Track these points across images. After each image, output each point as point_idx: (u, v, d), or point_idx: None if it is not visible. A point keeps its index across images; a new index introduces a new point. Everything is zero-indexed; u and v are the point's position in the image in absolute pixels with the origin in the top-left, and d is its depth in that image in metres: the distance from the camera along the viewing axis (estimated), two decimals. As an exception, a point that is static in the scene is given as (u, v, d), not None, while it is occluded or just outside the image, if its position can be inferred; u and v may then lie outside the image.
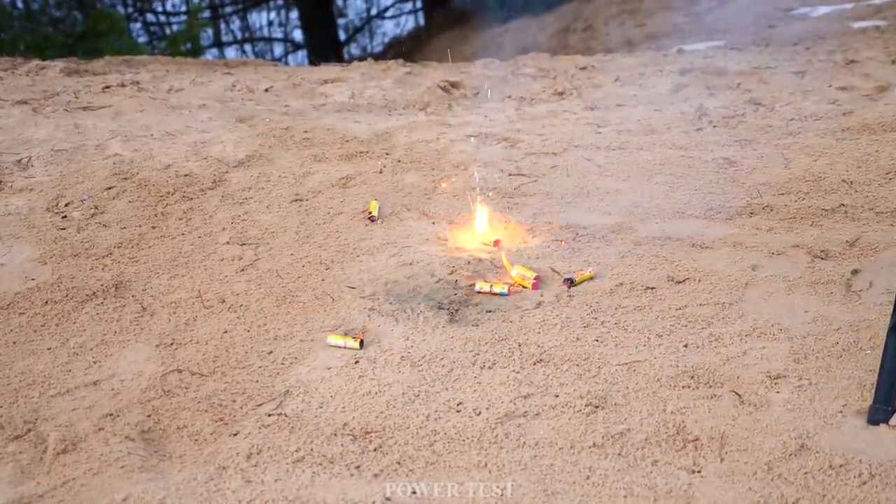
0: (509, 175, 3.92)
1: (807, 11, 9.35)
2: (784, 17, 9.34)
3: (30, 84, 5.35)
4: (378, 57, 17.47)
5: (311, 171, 4.02)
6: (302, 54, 20.79)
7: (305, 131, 4.47)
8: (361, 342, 2.66)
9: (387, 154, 4.21)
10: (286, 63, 20.32)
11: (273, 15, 21.75)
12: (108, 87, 5.28)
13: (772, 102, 4.94)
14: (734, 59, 6.13)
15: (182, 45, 11.15)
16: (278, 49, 21.64)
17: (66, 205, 3.65)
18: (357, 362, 2.56)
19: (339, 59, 18.23)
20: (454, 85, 5.59)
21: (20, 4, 13.53)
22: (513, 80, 5.78)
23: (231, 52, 21.01)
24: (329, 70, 6.11)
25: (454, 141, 4.34)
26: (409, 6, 21.12)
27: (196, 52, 11.70)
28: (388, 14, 21.72)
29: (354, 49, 21.29)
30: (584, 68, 6.04)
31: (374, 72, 6.00)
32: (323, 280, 3.07)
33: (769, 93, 5.16)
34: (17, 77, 5.56)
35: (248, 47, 21.58)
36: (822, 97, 4.97)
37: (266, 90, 5.39)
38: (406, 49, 15.53)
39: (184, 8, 20.97)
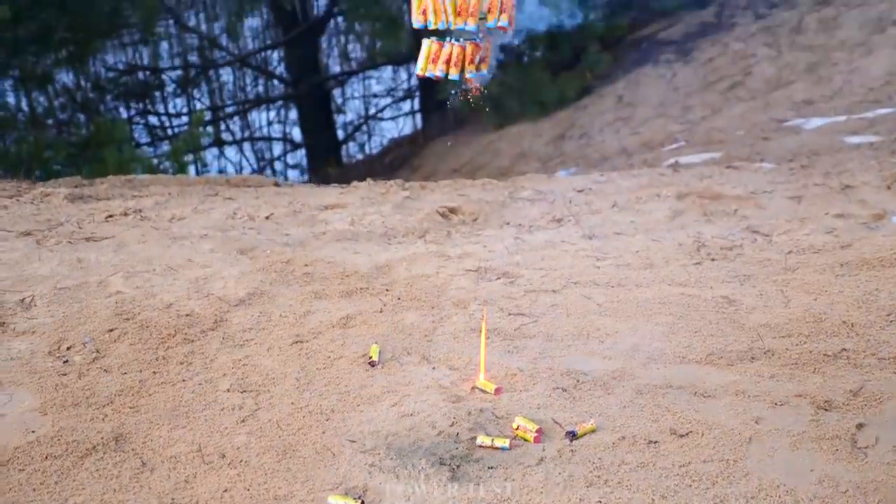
0: (509, 314, 3.93)
1: (800, 123, 9.48)
2: (778, 129, 9.47)
3: (34, 213, 5.40)
4: (377, 159, 17.71)
5: (312, 309, 4.03)
6: (301, 154, 21.03)
7: (306, 265, 4.49)
8: (362, 503, 2.63)
9: (387, 290, 4.23)
10: (285, 176, 20.53)
11: (273, 114, 22.08)
12: (111, 215, 5.33)
13: (769, 231, 4.98)
14: (730, 180, 6.19)
15: (184, 152, 11.27)
16: (277, 148, 21.91)
17: (68, 348, 3.65)
18: (358, 526, 2.53)
19: (338, 159, 18.47)
20: (453, 211, 5.64)
21: (25, 107, 13.73)
22: (511, 204, 5.83)
23: (231, 152, 21.25)
24: (329, 193, 6.17)
25: (454, 276, 4.36)
26: (406, 106, 21.46)
27: (199, 160, 11.84)
28: (386, 114, 22.06)
29: (353, 148, 21.57)
30: (581, 191, 6.10)
31: (374, 195, 6.05)
32: (323, 432, 3.05)
33: (766, 220, 5.21)
34: (22, 205, 5.61)
35: (247, 146, 21.86)
36: (818, 226, 5.01)
37: (267, 217, 5.43)
38: (404, 153, 15.72)
39: (185, 109, 21.30)
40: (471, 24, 2.87)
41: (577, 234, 5.10)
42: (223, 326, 3.88)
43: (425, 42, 2.95)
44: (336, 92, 21.41)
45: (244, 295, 4.14)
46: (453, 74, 2.94)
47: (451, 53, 2.91)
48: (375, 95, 22.27)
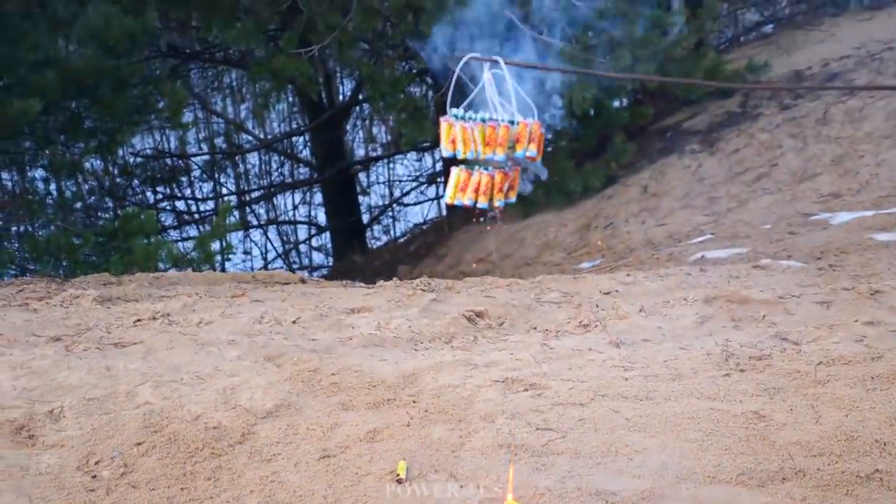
0: (537, 429, 3.95)
1: (827, 217, 9.50)
2: (805, 224, 9.49)
3: (63, 317, 5.48)
4: (402, 247, 17.82)
5: (339, 421, 4.06)
6: (326, 237, 21.18)
7: (333, 373, 4.53)
8: None
9: (414, 402, 4.26)
10: (310, 259, 20.66)
11: (298, 197, 22.34)
12: (139, 319, 5.41)
13: (798, 339, 4.98)
14: (758, 282, 6.21)
15: (210, 242, 11.39)
16: (302, 231, 22.11)
17: (97, 462, 3.69)
18: None
19: (362, 244, 18.60)
20: (479, 315, 5.68)
21: (54, 191, 13.97)
22: (537, 308, 5.87)
23: (256, 235, 21.47)
24: (355, 295, 6.23)
25: (481, 387, 4.39)
26: (431, 192, 21.67)
27: (225, 250, 11.99)
28: (411, 199, 22.25)
29: (378, 231, 21.73)
30: (608, 293, 6.14)
31: (400, 297, 6.11)
32: (351, 557, 3.06)
33: (795, 326, 5.21)
34: (52, 308, 5.70)
35: (272, 230, 22.08)
36: (848, 334, 5.01)
37: (294, 322, 5.50)
38: (429, 241, 15.81)
39: (212, 193, 21.61)
40: (499, 154, 2.96)
41: (604, 341, 5.12)
42: (250, 440, 3.91)
43: (454, 170, 3.03)
44: (361, 175, 21.69)
45: (271, 406, 4.18)
46: (482, 203, 3.02)
47: (479, 182, 3.00)
48: (401, 180, 22.55)
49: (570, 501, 3.38)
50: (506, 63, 3.02)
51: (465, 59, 3.02)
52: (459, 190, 3.03)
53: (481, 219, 3.16)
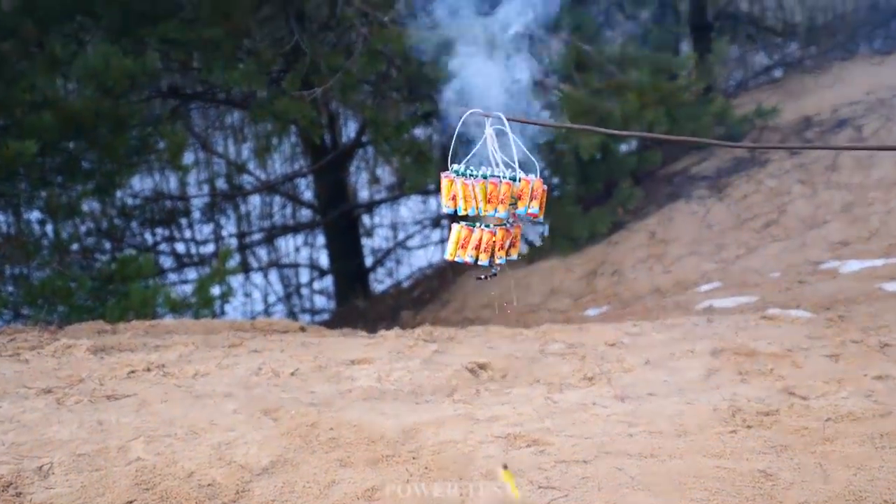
0: (539, 487, 3.93)
1: (836, 266, 9.51)
2: (814, 272, 9.50)
3: (55, 367, 5.48)
4: (405, 292, 17.83)
5: (337, 479, 4.04)
6: (328, 280, 21.18)
7: (331, 428, 4.52)
8: None
9: (414, 458, 4.24)
10: (312, 302, 20.65)
11: (300, 240, 22.37)
12: (133, 371, 5.40)
13: (806, 394, 4.97)
14: (766, 334, 6.20)
15: (210, 286, 11.39)
16: (304, 274, 22.11)
17: (86, 521, 3.67)
18: None
19: (365, 288, 18.61)
20: (482, 366, 5.67)
21: (50, 233, 14.00)
22: (541, 359, 5.86)
23: (257, 278, 21.46)
24: (355, 345, 6.22)
25: (482, 443, 4.37)
26: (436, 235, 21.71)
27: (225, 295, 11.98)
28: (415, 242, 22.29)
29: (381, 274, 21.72)
30: (613, 344, 6.13)
31: (401, 347, 6.11)
32: None
33: (803, 381, 5.20)
34: (44, 358, 5.70)
35: (274, 272, 22.08)
36: (857, 388, 5.00)
37: (292, 374, 5.49)
38: (433, 286, 15.82)
39: (212, 236, 21.64)
40: (501, 211, 2.97)
41: (609, 395, 5.11)
42: (245, 498, 3.89)
43: (455, 227, 3.04)
44: (364, 218, 21.75)
45: (267, 462, 4.17)
46: (483, 260, 3.03)
47: (480, 239, 3.01)
48: (405, 223, 22.58)
49: (571, 564, 3.36)
50: (508, 119, 3.04)
51: (465, 115, 3.04)
52: (460, 247, 3.04)
53: (482, 277, 3.17)
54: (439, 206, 21.18)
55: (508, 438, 4.46)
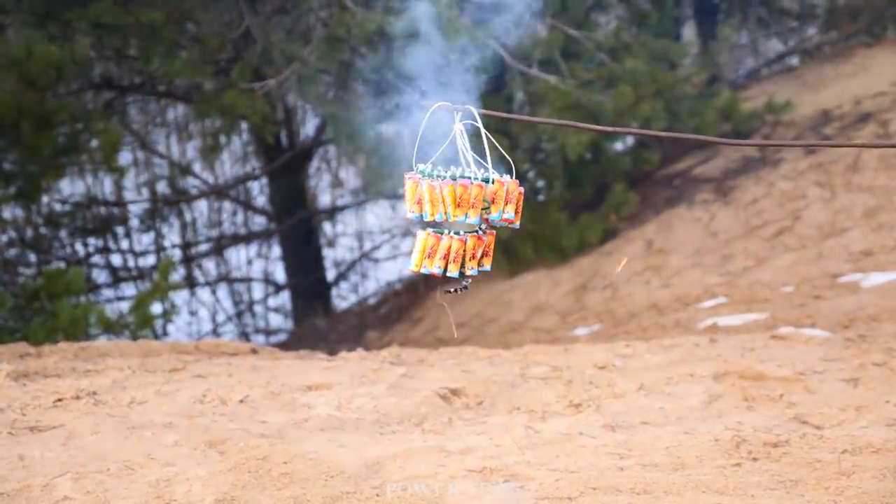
0: (519, 529, 3.96)
1: (858, 279, 9.61)
2: (832, 286, 9.60)
3: (-30, 395, 5.48)
4: (371, 310, 17.86)
5: (290, 520, 4.06)
6: (284, 296, 21.15)
7: (285, 462, 4.54)
8: None
9: (377, 495, 4.27)
10: (266, 321, 20.62)
11: (252, 251, 22.30)
12: (60, 399, 5.40)
13: (820, 423, 5.03)
14: (775, 356, 6.26)
15: (150, 303, 11.41)
16: (258, 290, 22.03)
17: (4, 570, 3.68)
18: None
19: (326, 305, 18.61)
20: (455, 392, 5.71)
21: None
22: (522, 384, 5.90)
23: (204, 294, 21.38)
24: (313, 369, 6.25)
25: (454, 478, 4.40)
26: (406, 245, 21.72)
27: (167, 314, 12.00)
28: (382, 253, 22.29)
29: (345, 289, 21.70)
30: (603, 367, 6.18)
31: (365, 371, 6.14)
32: None
33: (816, 408, 5.26)
34: (-44, 385, 5.70)
35: (223, 288, 22.00)
36: (877, 417, 5.06)
37: (241, 401, 5.51)
38: (403, 302, 15.86)
39: (152, 246, 21.56)
40: (472, 217, 2.99)
41: (597, 424, 5.15)
42: (186, 542, 3.91)
43: (420, 234, 3.06)
44: (325, 226, 21.72)
45: (212, 501, 4.18)
46: (452, 271, 3.04)
47: (449, 247, 3.03)
48: (371, 232, 22.57)
49: None
50: (480, 114, 3.06)
51: (432, 108, 3.06)
52: (427, 257, 3.05)
53: (451, 290, 3.19)
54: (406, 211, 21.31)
55: (484, 472, 4.49)
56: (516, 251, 13.29)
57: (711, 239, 12.41)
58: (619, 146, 14.88)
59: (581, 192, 13.76)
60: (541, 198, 13.79)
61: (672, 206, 13.59)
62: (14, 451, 4.62)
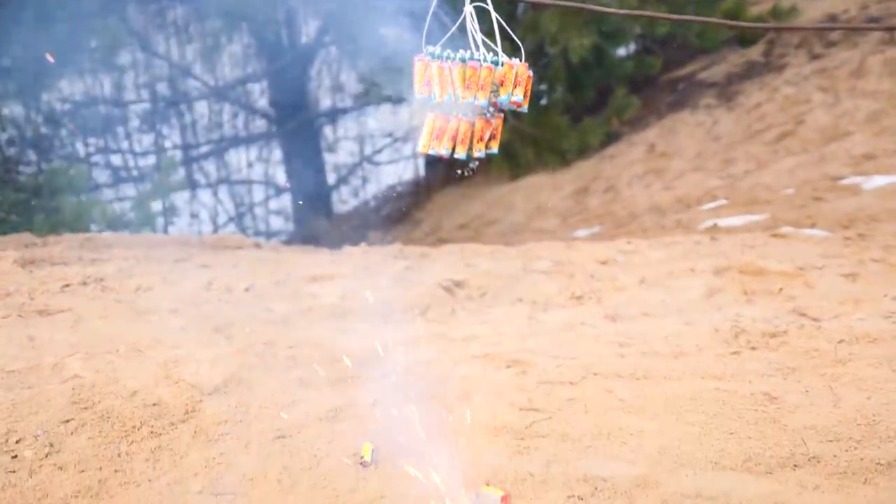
0: (520, 409, 4.03)
1: (859, 182, 9.60)
2: (833, 188, 9.59)
3: (-23, 280, 5.53)
4: (373, 212, 17.88)
5: (296, 399, 4.13)
6: (286, 199, 21.16)
7: (290, 346, 4.60)
8: None
9: (381, 378, 4.33)
10: (267, 223, 20.64)
11: (253, 154, 22.24)
12: (67, 284, 5.45)
13: (818, 315, 5.08)
14: (775, 252, 6.30)
15: (151, 203, 11.42)
16: (258, 192, 22.03)
17: (17, 441, 3.75)
18: None
19: (327, 208, 18.63)
20: (458, 284, 5.76)
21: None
22: (524, 277, 5.95)
23: (205, 196, 21.37)
24: (317, 260, 6.30)
25: (457, 363, 4.47)
26: (407, 149, 21.67)
27: (167, 209, 11.99)
28: (384, 157, 22.23)
29: (346, 193, 21.69)
30: (605, 262, 6.22)
31: (369, 264, 6.19)
32: (308, 545, 3.14)
33: (815, 301, 5.32)
34: (-36, 271, 5.75)
35: (224, 190, 21.99)
36: (875, 310, 5.11)
37: (246, 289, 5.56)
38: (404, 205, 15.88)
39: (153, 147, 21.49)
40: (481, 99, 3.00)
41: (598, 315, 5.21)
42: (195, 418, 3.98)
43: (429, 116, 3.07)
44: (327, 129, 21.64)
45: (219, 382, 4.25)
46: (460, 153, 3.06)
47: (457, 129, 3.04)
48: (372, 135, 22.49)
49: (554, 488, 3.47)
50: (490, -6, 3.05)
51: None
52: (434, 138, 3.07)
53: (458, 171, 3.21)
54: (412, 115, 21.15)
55: (487, 358, 4.55)
56: (518, 155, 13.29)
57: (713, 143, 12.39)
58: (622, 51, 14.78)
59: (583, 96, 13.72)
60: (543, 102, 13.73)
61: (675, 110, 13.56)
62: (24, 332, 4.68)
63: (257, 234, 20.66)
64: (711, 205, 10.27)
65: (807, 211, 8.81)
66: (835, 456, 3.60)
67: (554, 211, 12.32)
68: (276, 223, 21.28)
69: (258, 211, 21.61)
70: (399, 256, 6.46)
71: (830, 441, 3.72)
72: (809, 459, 3.59)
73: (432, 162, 18.11)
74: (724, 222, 9.09)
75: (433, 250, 6.93)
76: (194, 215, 20.90)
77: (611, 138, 13.39)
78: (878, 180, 9.55)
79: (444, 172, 16.56)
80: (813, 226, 8.04)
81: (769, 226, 8.42)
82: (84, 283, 5.53)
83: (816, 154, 10.94)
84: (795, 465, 3.56)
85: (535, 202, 12.77)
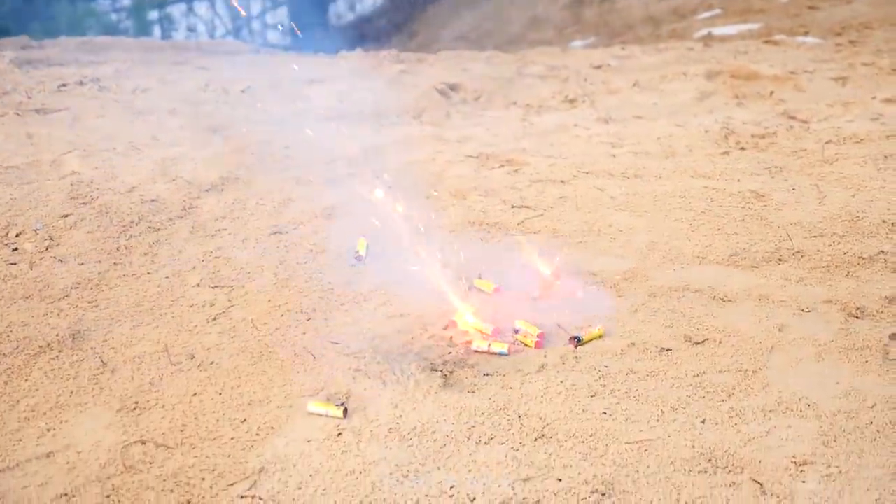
0: (512, 206, 3.99)
1: (855, -15, 9.39)
2: (826, -2, 9.40)
3: (-25, 80, 5.42)
4: (367, 23, 17.53)
5: (293, 196, 4.09)
6: (283, 12, 20.74)
7: (286, 146, 4.54)
8: (345, 410, 2.70)
9: (376, 177, 4.28)
10: (265, 38, 20.29)
11: (251, -37, 21.66)
12: (64, 84, 5.35)
13: (808, 117, 5.01)
14: (768, 57, 6.19)
15: (147, 11, 11.18)
16: (256, 5, 21.56)
17: (18, 235, 3.72)
18: (340, 434, 2.60)
19: (323, 21, 18.26)
20: (453, 87, 5.66)
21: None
22: (519, 81, 5.85)
23: (202, 8, 20.94)
24: (314, 64, 6.17)
25: (452, 162, 4.41)
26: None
27: (164, 18, 11.74)
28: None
29: (342, 6, 21.24)
30: (598, 67, 6.11)
31: (365, 68, 6.07)
32: (304, 333, 3.14)
33: (805, 104, 5.24)
34: (-40, 71, 5.63)
35: (220, 2, 21.52)
36: (863, 111, 5.04)
37: (243, 91, 5.46)
38: (399, 17, 15.56)
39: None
40: None
41: (591, 117, 5.13)
42: (192, 214, 3.94)
43: None
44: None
45: (216, 179, 4.20)
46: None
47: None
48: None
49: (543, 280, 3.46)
50: None
51: None
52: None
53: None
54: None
55: (480, 158, 4.50)
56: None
57: (710, -49, 12.06)
58: None
59: None
60: None
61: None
62: (22, 129, 4.60)
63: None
64: (706, 14, 10.06)
65: (801, 20, 8.63)
66: (818, 251, 3.58)
67: (549, 23, 12.08)
68: (274, 36, 20.91)
69: (255, 24, 21.19)
70: (395, 61, 6.33)
71: (815, 236, 3.69)
72: (794, 254, 3.57)
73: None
74: (718, 31, 8.91)
75: (429, 56, 6.80)
76: (191, 29, 20.52)
77: (607, -53, 13.01)
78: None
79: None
80: (806, 33, 7.88)
81: (763, 34, 8.26)
82: (81, 83, 5.42)
83: (812, -37, 10.66)
84: (780, 260, 3.54)
85: (531, 13, 12.52)
